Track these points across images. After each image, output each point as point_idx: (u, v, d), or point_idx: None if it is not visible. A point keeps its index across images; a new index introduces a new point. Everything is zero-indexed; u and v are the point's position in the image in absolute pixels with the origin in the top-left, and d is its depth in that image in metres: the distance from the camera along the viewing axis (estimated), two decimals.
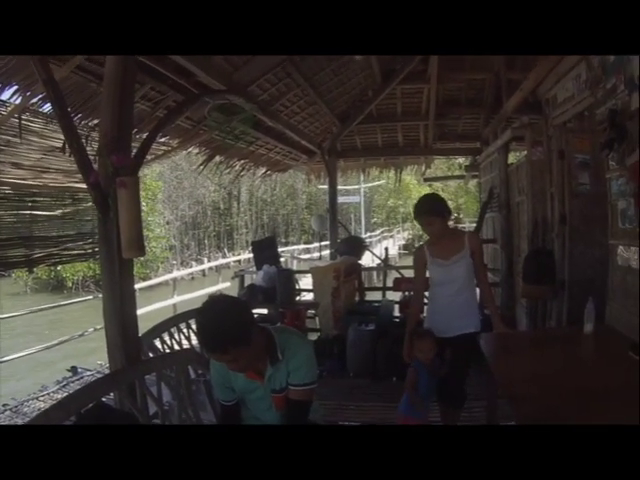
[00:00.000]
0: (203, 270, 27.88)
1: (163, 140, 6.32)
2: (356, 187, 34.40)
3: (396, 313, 7.62)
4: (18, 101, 4.23)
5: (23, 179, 5.58)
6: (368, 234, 32.42)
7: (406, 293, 7.58)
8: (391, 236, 35.83)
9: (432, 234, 3.88)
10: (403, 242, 38.27)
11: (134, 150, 3.48)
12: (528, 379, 2.78)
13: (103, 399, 2.75)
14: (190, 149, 7.19)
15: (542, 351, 3.37)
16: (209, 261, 28.82)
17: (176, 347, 4.43)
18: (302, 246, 32.54)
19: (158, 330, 4.29)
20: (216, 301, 2.48)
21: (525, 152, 6.63)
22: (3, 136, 4.65)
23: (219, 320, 2.31)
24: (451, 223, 5.04)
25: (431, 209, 3.81)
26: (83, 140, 3.54)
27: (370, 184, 35.93)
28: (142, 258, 19.38)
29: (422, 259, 3.99)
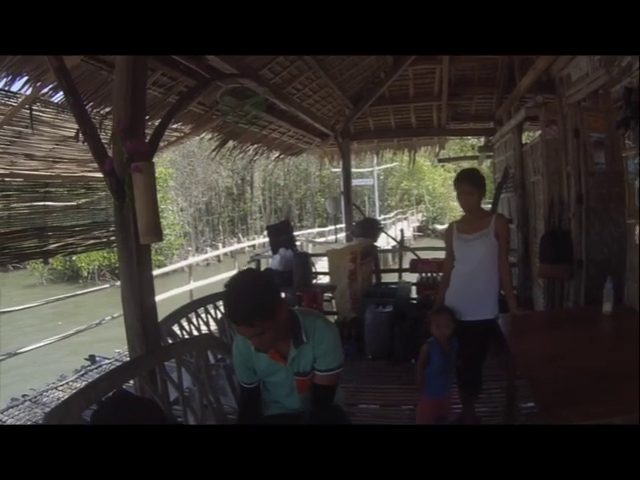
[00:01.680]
0: (218, 256, 28.01)
1: (175, 126, 6.31)
2: (370, 169, 34.34)
3: (413, 295, 7.64)
4: (29, 92, 4.23)
5: (36, 170, 5.62)
6: (382, 216, 32.36)
7: (423, 274, 7.58)
8: (405, 218, 35.73)
9: (467, 204, 3.96)
10: (417, 224, 38.19)
11: (148, 137, 3.48)
12: (546, 360, 2.78)
13: (123, 386, 2.77)
14: (203, 135, 7.19)
15: (560, 331, 3.36)
16: (224, 247, 28.88)
17: (195, 333, 4.46)
18: (316, 229, 32.51)
19: (176, 316, 4.32)
20: (245, 273, 2.57)
21: (539, 132, 6.58)
22: (15, 127, 4.67)
23: (247, 291, 2.32)
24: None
25: (474, 179, 3.93)
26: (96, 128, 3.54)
27: (384, 166, 35.78)
28: (157, 245, 19.43)
29: (450, 235, 4.11)
